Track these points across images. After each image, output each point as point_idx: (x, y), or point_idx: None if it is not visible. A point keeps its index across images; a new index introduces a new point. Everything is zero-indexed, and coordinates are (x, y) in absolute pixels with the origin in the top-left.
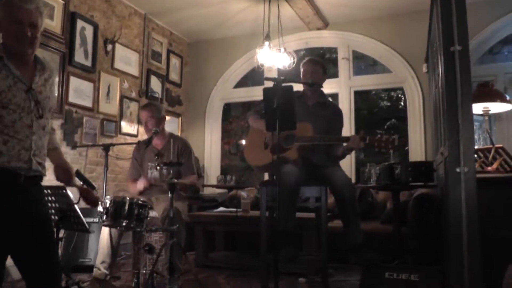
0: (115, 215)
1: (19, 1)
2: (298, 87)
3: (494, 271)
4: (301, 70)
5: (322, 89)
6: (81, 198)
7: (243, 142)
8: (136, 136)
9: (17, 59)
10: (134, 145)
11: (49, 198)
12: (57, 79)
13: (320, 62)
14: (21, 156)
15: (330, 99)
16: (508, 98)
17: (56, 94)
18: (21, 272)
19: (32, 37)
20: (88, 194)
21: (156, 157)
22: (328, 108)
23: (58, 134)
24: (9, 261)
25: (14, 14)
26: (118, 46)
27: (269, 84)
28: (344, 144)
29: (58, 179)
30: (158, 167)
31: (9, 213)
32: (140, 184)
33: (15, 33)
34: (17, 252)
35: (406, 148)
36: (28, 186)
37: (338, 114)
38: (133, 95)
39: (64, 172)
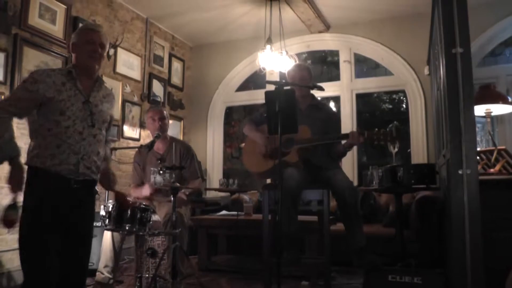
0: (117, 219)
1: (91, 25)
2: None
3: (497, 273)
4: (287, 76)
5: (322, 92)
6: (116, 202)
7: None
8: (138, 140)
9: (84, 75)
10: (140, 148)
11: None
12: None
13: (306, 67)
14: (70, 159)
15: (327, 101)
16: (510, 99)
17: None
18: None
19: (100, 55)
20: (124, 199)
21: (159, 161)
22: (322, 110)
23: None
24: (13, 266)
25: (88, 35)
26: (120, 51)
27: (271, 87)
28: (343, 142)
29: (100, 183)
30: (161, 172)
31: (60, 214)
32: (146, 190)
33: (88, 50)
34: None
35: (408, 150)
36: (77, 190)
37: (333, 114)
38: (135, 99)
39: (105, 178)
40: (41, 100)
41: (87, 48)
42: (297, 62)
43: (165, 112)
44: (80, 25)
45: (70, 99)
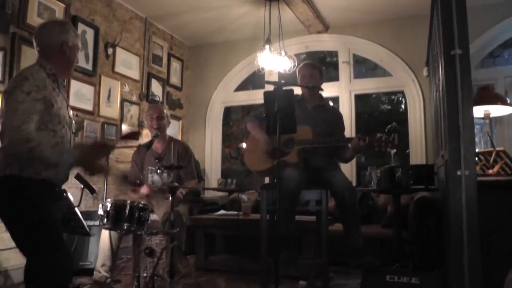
0: (115, 218)
1: (75, 31)
2: (297, 91)
3: (495, 275)
4: (298, 74)
5: (321, 92)
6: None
7: (244, 145)
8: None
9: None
10: (138, 148)
11: None
12: None
13: (317, 66)
14: (62, 170)
15: (331, 103)
16: (508, 101)
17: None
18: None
19: None
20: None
21: (157, 160)
22: (328, 111)
23: None
24: (10, 264)
25: (77, 43)
26: (119, 50)
27: (270, 87)
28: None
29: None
30: (158, 171)
31: (56, 217)
32: (144, 189)
33: (74, 60)
34: None
35: (407, 151)
36: (60, 195)
37: (338, 116)
38: (134, 98)
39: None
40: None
41: (75, 56)
42: (296, 62)
43: (165, 111)
44: (79, 24)
45: (62, 106)
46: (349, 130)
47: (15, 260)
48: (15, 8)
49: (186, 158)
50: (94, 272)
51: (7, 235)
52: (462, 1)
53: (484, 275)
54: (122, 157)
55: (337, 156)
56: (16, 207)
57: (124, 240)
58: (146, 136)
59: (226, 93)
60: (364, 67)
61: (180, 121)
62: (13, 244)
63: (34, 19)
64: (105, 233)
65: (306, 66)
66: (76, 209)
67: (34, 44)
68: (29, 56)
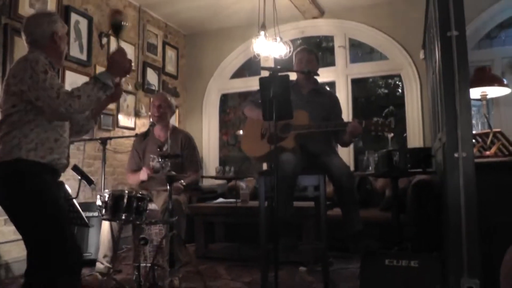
0: (114, 209)
1: (62, 21)
2: (292, 76)
3: (493, 256)
4: (295, 59)
5: (318, 78)
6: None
7: (241, 132)
8: (133, 129)
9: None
10: (135, 137)
11: None
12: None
13: (314, 51)
14: (64, 153)
15: (327, 87)
16: (505, 82)
17: None
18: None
19: None
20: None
21: (159, 149)
22: (324, 95)
23: None
24: (11, 257)
25: (65, 33)
26: (113, 39)
27: (265, 73)
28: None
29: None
30: (160, 159)
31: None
32: (144, 174)
33: (64, 49)
34: None
35: (404, 135)
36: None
37: (335, 100)
38: (130, 88)
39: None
40: None
41: (64, 47)
42: (292, 48)
43: (168, 99)
44: (72, 14)
45: None
46: (346, 115)
47: (16, 253)
48: None
49: (190, 149)
50: (96, 263)
51: (7, 228)
52: None
53: (482, 256)
54: (120, 147)
55: (336, 139)
56: (22, 195)
57: (125, 230)
58: (142, 126)
59: (222, 81)
60: (360, 51)
61: (177, 110)
62: (13, 237)
63: (26, 9)
64: (105, 224)
65: (303, 51)
66: (74, 200)
67: (24, 36)
68: (22, 47)
